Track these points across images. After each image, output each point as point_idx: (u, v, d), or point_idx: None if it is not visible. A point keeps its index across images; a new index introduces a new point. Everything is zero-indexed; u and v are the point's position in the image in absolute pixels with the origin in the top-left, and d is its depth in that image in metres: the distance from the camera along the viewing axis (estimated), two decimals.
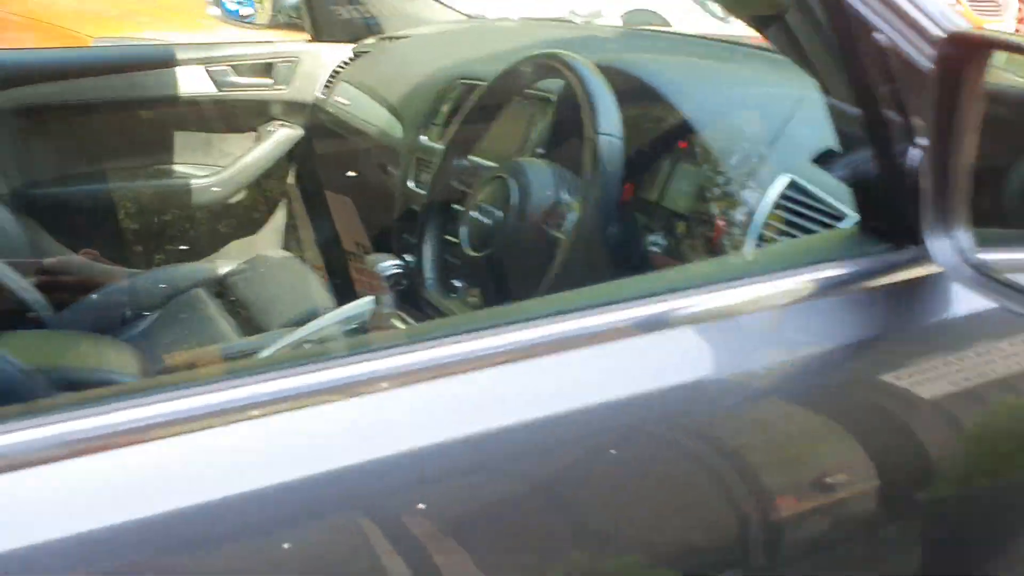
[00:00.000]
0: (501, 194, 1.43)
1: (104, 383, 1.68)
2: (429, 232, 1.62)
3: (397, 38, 2.68)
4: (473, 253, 1.45)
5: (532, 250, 1.37)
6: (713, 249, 1.38)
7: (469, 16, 2.80)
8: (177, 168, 2.74)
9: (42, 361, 1.54)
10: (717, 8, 5.89)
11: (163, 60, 2.64)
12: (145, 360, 1.80)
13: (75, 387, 1.59)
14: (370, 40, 2.79)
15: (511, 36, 2.31)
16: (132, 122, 2.66)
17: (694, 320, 0.86)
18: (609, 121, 1.30)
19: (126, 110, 2.64)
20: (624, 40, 2.06)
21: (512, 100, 1.65)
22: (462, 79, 2.07)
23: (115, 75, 2.61)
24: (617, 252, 1.34)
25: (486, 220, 1.44)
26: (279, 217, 3.00)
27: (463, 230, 1.49)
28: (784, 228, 1.28)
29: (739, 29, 1.91)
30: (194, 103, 2.67)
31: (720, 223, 1.38)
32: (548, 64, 1.44)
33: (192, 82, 2.66)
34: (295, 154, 2.90)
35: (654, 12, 4.04)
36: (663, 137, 1.62)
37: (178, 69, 2.62)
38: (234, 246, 2.87)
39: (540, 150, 1.70)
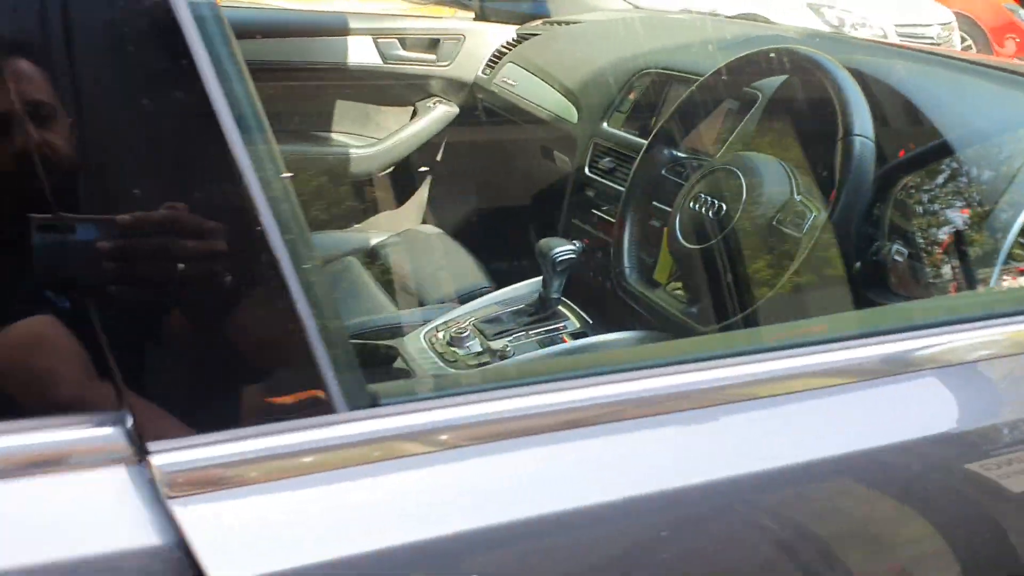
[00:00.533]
0: (726, 186, 1.39)
1: None
2: (630, 220, 1.59)
3: (567, 23, 2.66)
4: (687, 245, 1.42)
5: (759, 247, 1.33)
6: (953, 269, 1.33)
7: (638, 7, 2.78)
8: (335, 136, 2.77)
9: None
10: (831, 15, 5.81)
11: (333, 28, 2.66)
12: None
13: None
14: (536, 23, 2.78)
15: (693, 30, 2.28)
16: (298, 87, 2.69)
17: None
18: (863, 122, 1.25)
19: (292, 74, 2.67)
20: (830, 44, 2.01)
21: (726, 96, 1.62)
22: (648, 69, 2.04)
23: (281, 39, 2.64)
24: (860, 259, 1.29)
25: (706, 212, 1.41)
26: (423, 192, 3.01)
27: (676, 220, 1.46)
28: None
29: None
30: (359, 73, 2.69)
31: (961, 246, 1.33)
32: (794, 61, 1.40)
33: (359, 52, 2.68)
34: (449, 131, 2.91)
35: (764, 16, 3.96)
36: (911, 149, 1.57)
37: (348, 38, 2.64)
38: (381, 218, 2.89)
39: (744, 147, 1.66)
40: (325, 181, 2.77)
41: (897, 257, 1.24)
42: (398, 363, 1.86)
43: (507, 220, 2.61)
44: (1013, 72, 1.51)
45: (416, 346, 1.89)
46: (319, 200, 2.79)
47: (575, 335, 1.89)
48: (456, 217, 2.87)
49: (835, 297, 1.30)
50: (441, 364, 1.82)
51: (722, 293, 1.40)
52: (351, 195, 2.83)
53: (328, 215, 2.77)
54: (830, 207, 1.22)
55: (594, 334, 1.89)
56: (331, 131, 2.76)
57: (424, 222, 3.03)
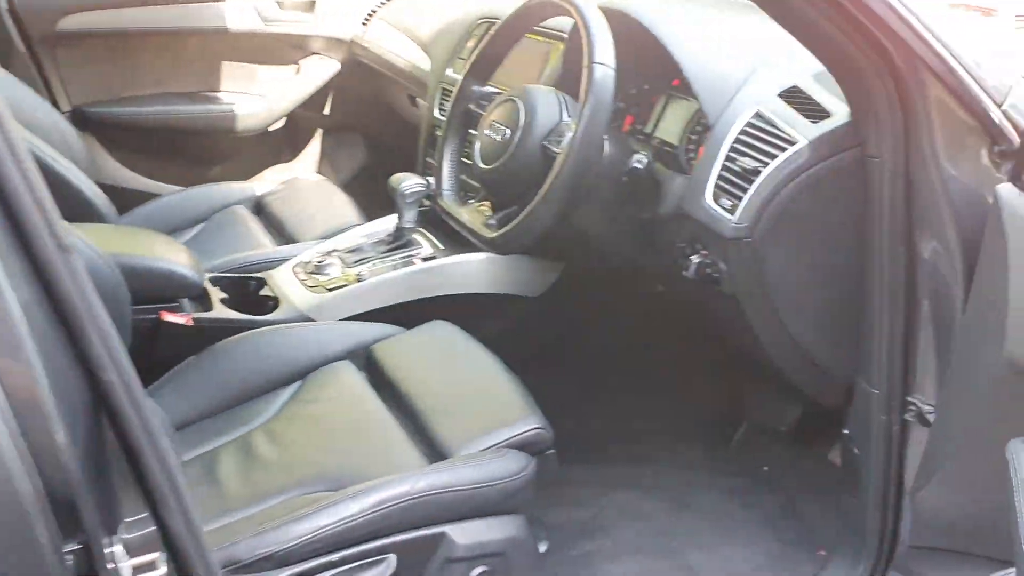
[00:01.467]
0: (511, 115, 1.65)
1: (166, 273, 1.93)
2: (448, 150, 1.84)
3: None
4: (484, 166, 1.67)
5: (534, 164, 1.58)
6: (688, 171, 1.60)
7: None
8: (223, 95, 2.97)
9: (113, 248, 1.76)
10: None
11: None
12: (198, 261, 2.03)
13: (139, 273, 1.84)
14: None
15: None
16: (184, 51, 2.89)
17: None
18: (604, 52, 1.51)
19: (178, 39, 2.87)
20: None
21: (524, 36, 1.87)
22: (484, 18, 2.28)
23: (169, 5, 2.84)
24: (607, 168, 1.56)
25: (497, 137, 1.66)
26: (315, 144, 3.24)
27: (476, 146, 1.71)
28: (745, 150, 1.50)
29: None
30: (241, 36, 2.90)
31: (701, 149, 1.60)
32: (554, 2, 1.65)
33: (240, 16, 2.89)
34: (332, 86, 3.13)
35: None
36: (658, 76, 1.83)
37: (227, 3, 2.84)
38: (273, 170, 3.11)
39: (553, 81, 1.92)
40: (217, 138, 2.98)
41: (636, 165, 1.51)
42: (265, 291, 2.10)
43: (383, 163, 2.84)
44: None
45: (283, 276, 2.13)
46: (212, 155, 3.00)
47: (427, 259, 2.14)
48: (343, 164, 3.11)
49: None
50: (305, 289, 2.07)
51: (507, 204, 1.66)
52: (244, 149, 3.04)
53: (222, 169, 2.99)
54: (577, 125, 1.47)
55: (444, 256, 2.15)
56: (219, 91, 2.96)
57: (319, 172, 3.26)
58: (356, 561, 1.37)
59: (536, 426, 1.59)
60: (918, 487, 1.48)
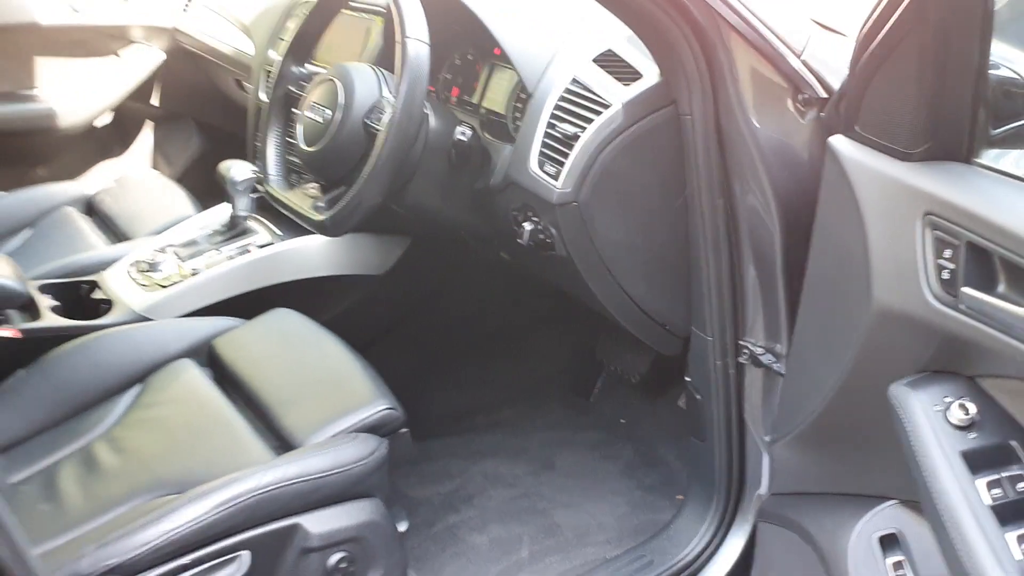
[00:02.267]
0: (330, 94, 1.62)
1: None
2: (272, 133, 1.80)
3: None
4: (307, 148, 1.64)
5: (357, 142, 1.56)
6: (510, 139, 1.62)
7: None
8: (40, 93, 2.81)
9: None
10: None
11: None
12: (19, 270, 1.93)
13: None
14: None
15: None
16: None
17: None
18: (416, 26, 1.49)
19: None
20: None
21: (344, 12, 1.83)
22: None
23: None
24: (433, 141, 1.55)
25: (318, 118, 1.62)
26: (146, 136, 3.11)
27: (299, 128, 1.67)
28: (565, 116, 1.52)
29: None
30: (52, 29, 2.74)
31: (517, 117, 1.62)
32: None
33: (49, 8, 2.73)
34: (158, 75, 3.00)
35: None
36: (480, 45, 1.83)
37: None
38: (102, 167, 2.97)
39: (374, 57, 1.89)
40: (39, 138, 2.82)
41: (461, 137, 1.51)
42: (97, 294, 2.01)
43: (217, 151, 2.75)
44: None
45: (116, 277, 2.04)
46: (36, 156, 2.84)
47: (263, 246, 2.09)
48: (176, 155, 2.99)
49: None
50: (139, 288, 1.99)
51: (335, 184, 1.64)
52: (68, 148, 2.89)
53: (48, 170, 2.84)
54: (397, 101, 1.46)
55: (282, 242, 2.10)
56: (35, 88, 2.80)
57: (153, 165, 3.13)
58: (207, 562, 1.34)
59: (384, 407, 1.59)
60: (775, 439, 1.53)
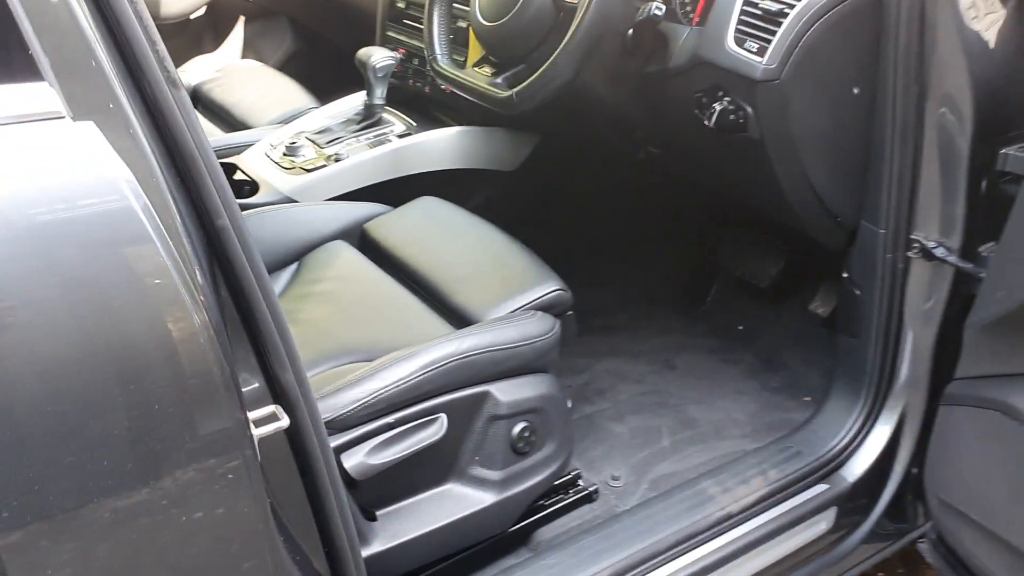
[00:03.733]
0: None
1: None
2: (437, 10, 1.76)
3: None
4: (488, 23, 1.61)
5: (544, 17, 1.53)
6: None
7: None
8: None
9: None
10: None
11: None
12: None
13: None
14: None
15: None
16: None
17: None
18: None
19: None
20: None
21: None
22: None
23: None
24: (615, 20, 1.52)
25: None
26: (238, 32, 3.06)
27: (475, 2, 1.64)
28: None
29: None
30: None
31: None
32: None
33: None
34: None
35: None
36: None
37: None
38: (196, 62, 2.93)
39: None
40: None
41: (656, 12, 1.49)
42: (238, 175, 2.00)
43: (311, 49, 2.71)
44: None
45: (255, 159, 2.03)
46: None
47: (401, 135, 2.08)
48: (269, 52, 2.95)
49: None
50: (282, 171, 1.98)
51: (511, 63, 1.62)
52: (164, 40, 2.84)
53: None
54: None
55: (419, 133, 2.09)
56: None
57: (244, 58, 3.09)
58: (411, 422, 1.36)
59: (556, 287, 1.60)
60: (972, 325, 1.51)
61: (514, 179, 2.16)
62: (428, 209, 1.84)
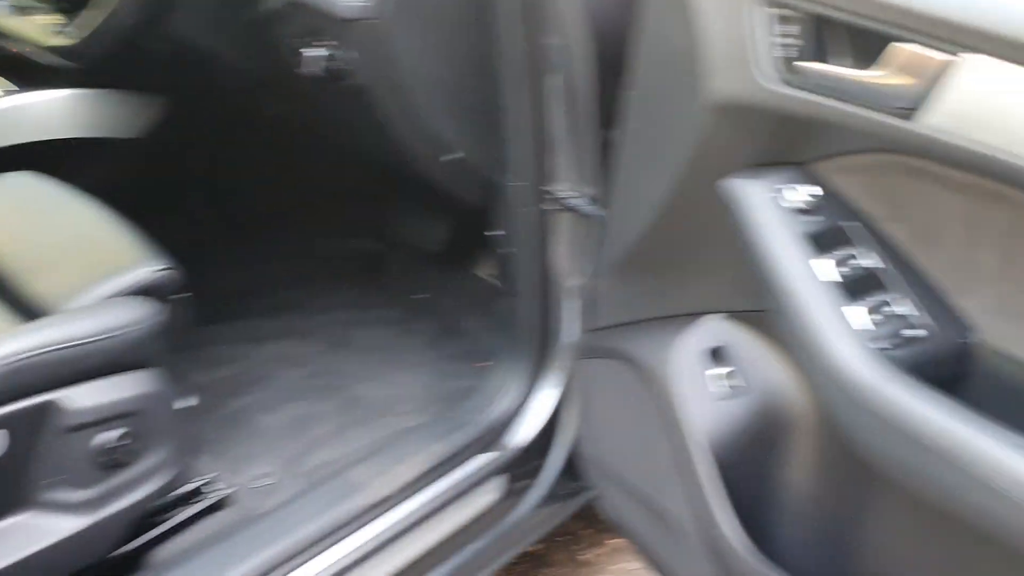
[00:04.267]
0: None
1: None
2: None
3: None
4: None
5: None
6: None
7: None
8: None
9: None
10: None
11: None
12: None
13: None
14: None
15: None
16: None
17: None
18: None
19: None
20: None
21: None
22: None
23: None
24: None
25: None
26: None
27: None
28: None
29: None
30: None
31: None
32: None
33: None
34: None
35: None
36: None
37: None
38: None
39: None
40: None
41: None
42: None
43: None
44: None
45: None
46: None
47: None
48: None
49: None
50: None
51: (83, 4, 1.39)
52: None
53: None
54: None
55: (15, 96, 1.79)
56: None
57: None
58: None
59: (158, 267, 1.39)
60: (594, 275, 1.46)
61: (143, 147, 1.91)
62: (15, 187, 1.56)
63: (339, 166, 2.06)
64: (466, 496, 1.60)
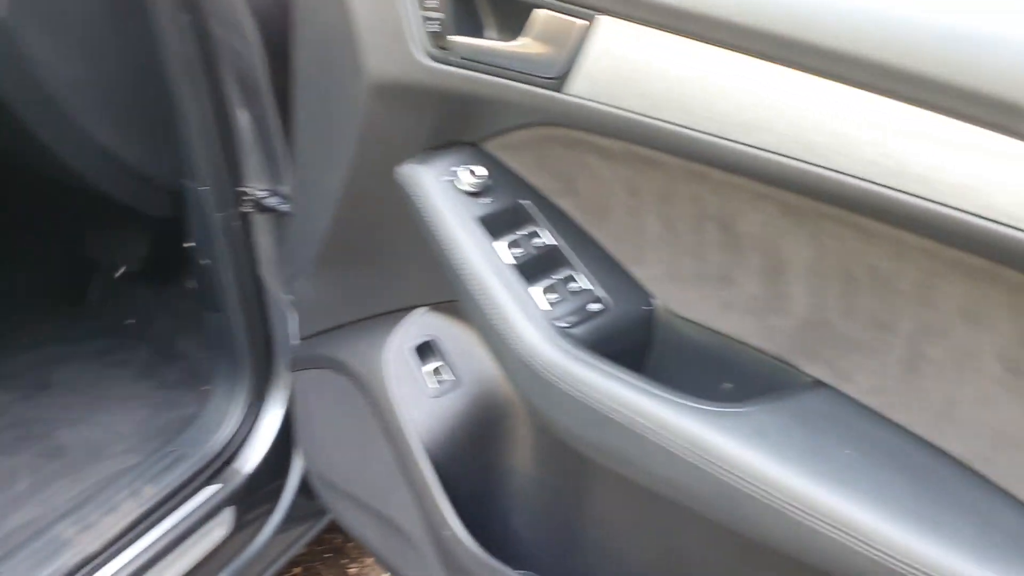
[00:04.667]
0: None
1: None
2: None
3: None
4: None
5: None
6: None
7: None
8: None
9: None
10: None
11: None
12: None
13: None
14: None
15: None
16: None
17: None
18: None
19: None
20: None
21: None
22: None
23: None
24: None
25: None
26: None
27: None
28: None
29: None
30: None
31: None
32: None
33: None
34: None
35: None
36: None
37: None
38: None
39: None
40: None
41: None
42: None
43: None
44: None
45: None
46: None
47: None
48: None
49: None
50: None
51: None
52: None
53: None
54: None
55: None
56: None
57: None
58: None
59: None
60: (293, 277, 1.37)
61: None
62: None
63: (7, 190, 1.83)
64: (194, 535, 1.46)
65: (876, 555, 0.66)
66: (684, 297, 0.88)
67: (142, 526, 1.40)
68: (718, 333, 0.87)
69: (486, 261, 0.88)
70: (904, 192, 0.64)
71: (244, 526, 1.55)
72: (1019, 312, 0.65)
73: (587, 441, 0.83)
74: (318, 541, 2.00)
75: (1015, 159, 0.60)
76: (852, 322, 0.76)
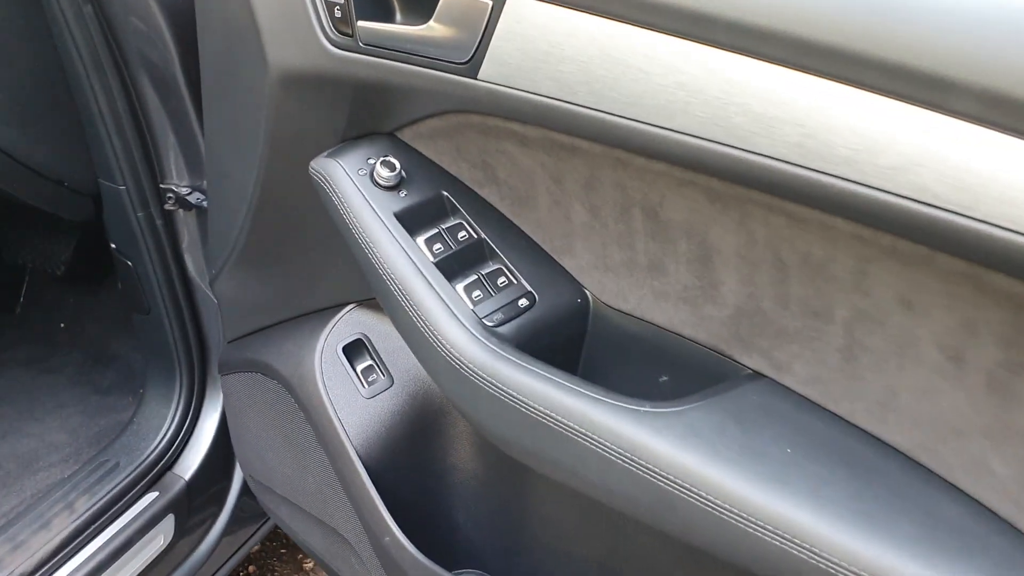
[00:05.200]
0: None
1: None
2: None
3: None
4: None
5: None
6: None
7: None
8: None
9: None
10: None
11: None
12: None
13: None
14: None
15: None
16: None
17: None
18: None
19: None
20: None
21: None
22: None
23: None
24: None
25: None
26: None
27: None
28: None
29: None
30: None
31: None
32: None
33: None
34: None
35: None
36: None
37: None
38: None
39: None
40: None
41: None
42: None
43: None
44: None
45: None
46: None
47: None
48: None
49: None
50: None
51: None
52: None
53: None
54: None
55: None
56: None
57: None
58: None
59: None
60: (214, 277, 1.31)
61: None
62: None
63: None
64: (134, 547, 1.41)
65: (817, 560, 0.62)
66: (616, 288, 0.83)
67: (77, 542, 1.34)
68: (653, 325, 0.83)
69: (406, 259, 0.83)
70: (830, 175, 0.60)
71: (187, 532, 1.50)
72: (956, 299, 0.61)
73: (518, 446, 0.79)
74: (272, 537, 1.95)
75: (946, 139, 0.56)
76: (786, 311, 0.72)
